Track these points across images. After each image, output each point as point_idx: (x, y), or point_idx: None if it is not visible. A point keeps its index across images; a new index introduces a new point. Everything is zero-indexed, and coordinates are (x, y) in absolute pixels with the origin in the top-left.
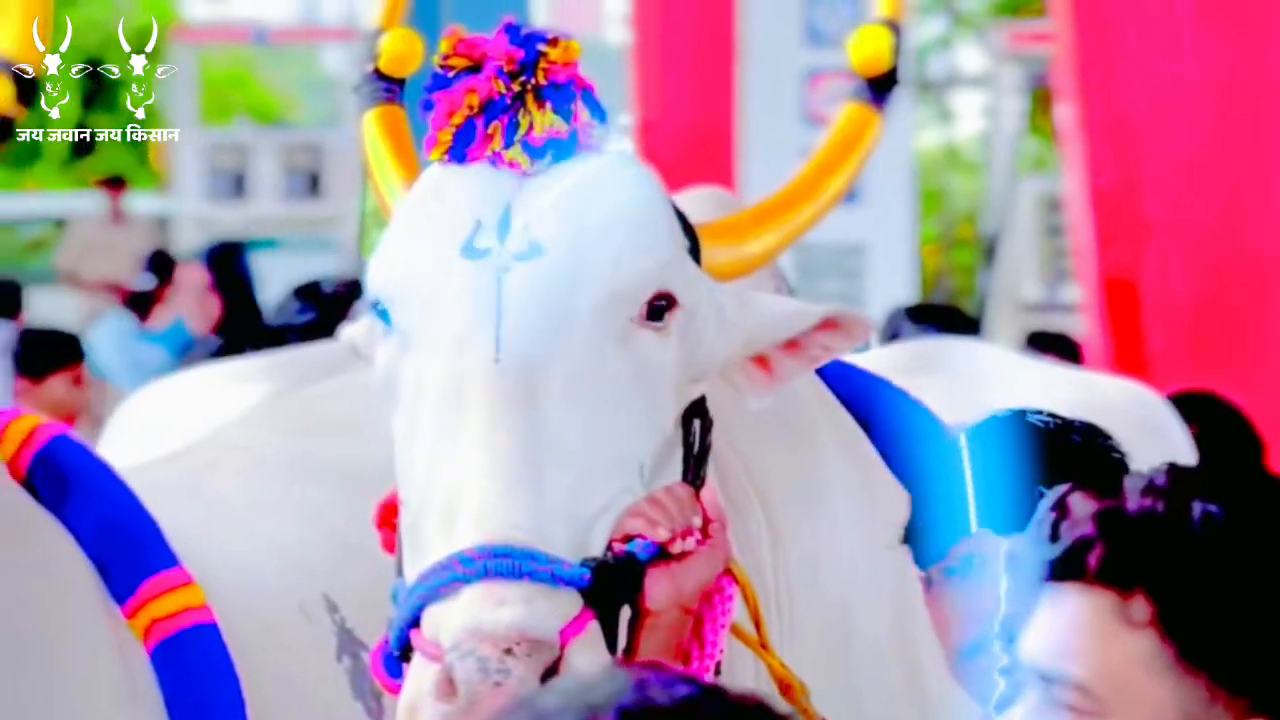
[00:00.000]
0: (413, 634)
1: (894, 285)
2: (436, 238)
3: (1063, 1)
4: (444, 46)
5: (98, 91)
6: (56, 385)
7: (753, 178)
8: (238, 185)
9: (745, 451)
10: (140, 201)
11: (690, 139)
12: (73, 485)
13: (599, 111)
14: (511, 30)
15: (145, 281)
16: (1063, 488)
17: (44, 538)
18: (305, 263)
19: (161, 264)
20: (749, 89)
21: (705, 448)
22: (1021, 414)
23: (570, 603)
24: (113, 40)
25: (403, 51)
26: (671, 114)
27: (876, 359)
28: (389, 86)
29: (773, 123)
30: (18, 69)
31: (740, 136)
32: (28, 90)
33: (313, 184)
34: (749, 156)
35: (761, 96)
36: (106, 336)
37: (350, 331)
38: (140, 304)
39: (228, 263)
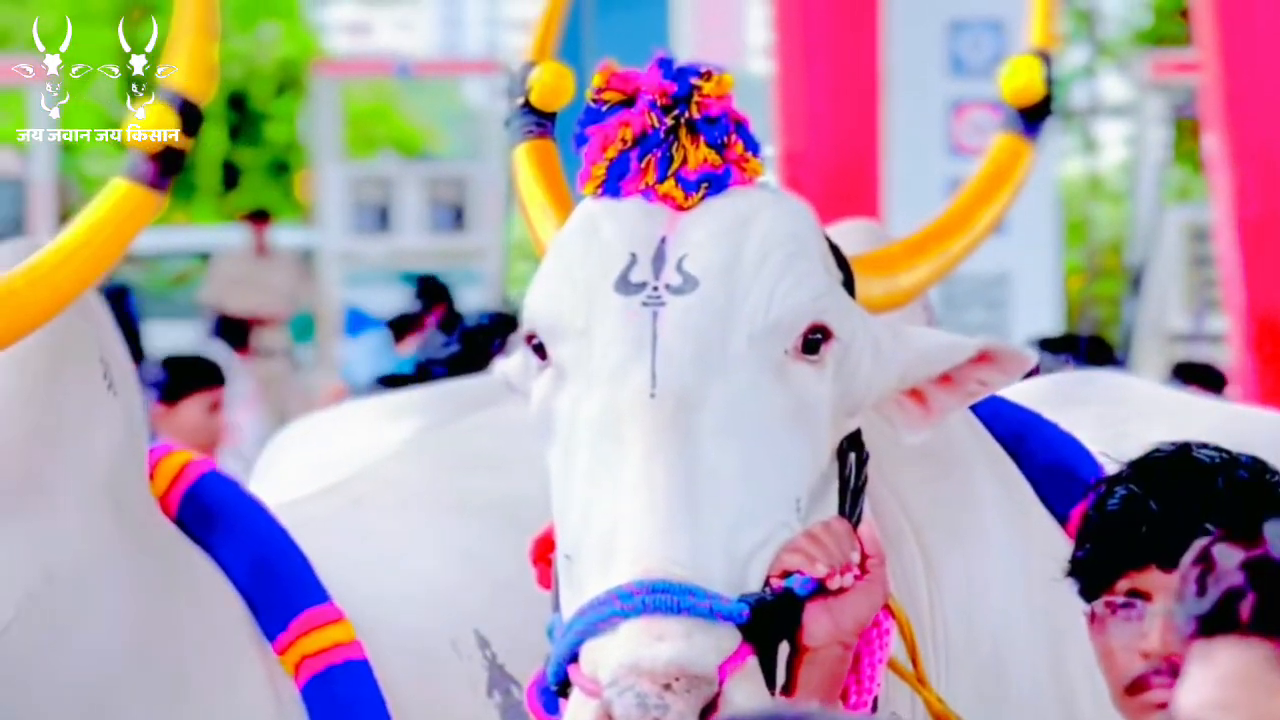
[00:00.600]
0: (570, 669)
1: (1039, 316)
2: (591, 272)
3: (1208, 31)
4: (597, 81)
5: (242, 125)
6: (191, 409)
7: (897, 209)
8: (382, 218)
9: (898, 485)
10: (285, 235)
11: (834, 170)
12: (223, 522)
13: (752, 145)
14: (664, 64)
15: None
16: (1203, 540)
17: (196, 574)
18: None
19: None
20: (893, 119)
21: (862, 482)
22: (1187, 447)
23: (729, 638)
24: (257, 74)
25: (554, 85)
26: (815, 145)
27: (1020, 391)
28: (540, 120)
29: (917, 154)
30: (186, 101)
31: (885, 167)
32: (193, 122)
33: (456, 217)
34: (893, 187)
35: (906, 127)
36: None
37: (504, 366)
38: None
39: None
